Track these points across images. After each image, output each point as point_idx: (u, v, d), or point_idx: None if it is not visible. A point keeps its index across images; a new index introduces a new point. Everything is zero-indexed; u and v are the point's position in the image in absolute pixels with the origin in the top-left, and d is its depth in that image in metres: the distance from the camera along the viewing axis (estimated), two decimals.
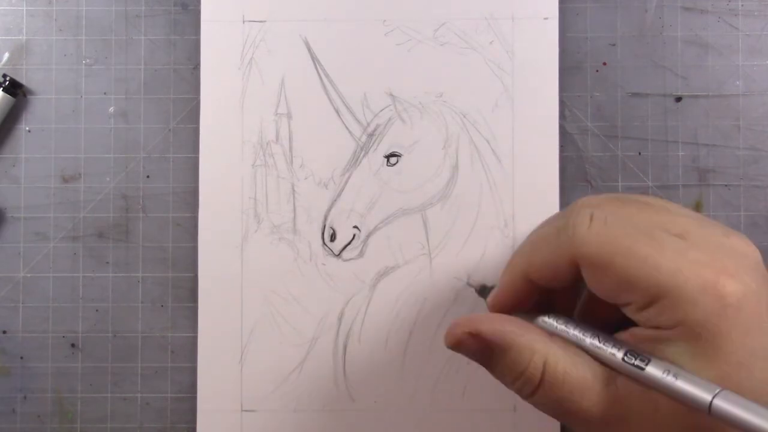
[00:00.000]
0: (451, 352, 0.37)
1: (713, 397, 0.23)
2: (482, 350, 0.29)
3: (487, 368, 0.29)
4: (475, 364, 0.37)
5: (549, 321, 0.29)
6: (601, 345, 0.27)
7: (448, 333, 0.30)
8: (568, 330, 0.28)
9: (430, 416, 0.37)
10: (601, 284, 0.27)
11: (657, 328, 0.25)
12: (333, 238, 0.38)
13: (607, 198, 0.29)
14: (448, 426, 0.37)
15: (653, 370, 0.25)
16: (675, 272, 0.25)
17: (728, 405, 0.22)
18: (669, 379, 0.24)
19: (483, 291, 0.33)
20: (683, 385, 0.24)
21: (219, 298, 0.37)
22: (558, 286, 0.29)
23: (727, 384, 0.24)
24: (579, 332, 0.28)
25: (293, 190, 0.38)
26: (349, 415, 0.37)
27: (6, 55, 0.39)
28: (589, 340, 0.27)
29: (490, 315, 0.30)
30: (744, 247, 0.26)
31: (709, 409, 0.23)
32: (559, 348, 0.28)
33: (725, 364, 0.24)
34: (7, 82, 0.38)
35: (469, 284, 0.36)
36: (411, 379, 0.37)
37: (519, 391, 0.28)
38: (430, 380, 0.37)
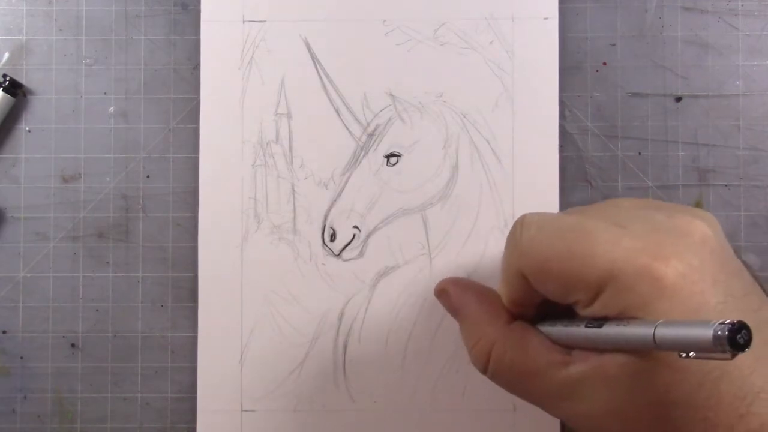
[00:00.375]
0: (451, 352, 0.37)
1: (654, 329, 0.23)
2: (450, 310, 0.33)
3: None
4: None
5: (544, 325, 0.30)
6: (565, 327, 0.28)
7: (438, 284, 0.35)
8: (552, 327, 0.29)
9: (430, 416, 0.37)
10: (546, 289, 0.28)
11: (606, 319, 0.26)
12: (333, 238, 0.38)
13: (548, 213, 0.30)
14: (448, 426, 0.37)
15: (609, 326, 0.25)
16: (610, 263, 0.25)
17: (669, 329, 0.23)
18: (619, 328, 0.25)
19: None
20: (629, 329, 0.24)
21: (219, 298, 0.37)
22: (529, 299, 0.30)
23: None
24: (549, 326, 0.29)
25: (293, 190, 0.38)
26: (349, 415, 0.37)
27: (6, 55, 0.39)
28: (559, 327, 0.28)
29: (469, 282, 0.32)
30: (687, 226, 0.26)
31: (654, 341, 0.23)
32: (511, 338, 0.29)
33: None
34: (7, 82, 0.38)
35: None
36: (411, 379, 0.37)
37: (476, 366, 0.30)
38: (430, 380, 0.37)
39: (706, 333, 0.21)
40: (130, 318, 0.38)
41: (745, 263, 0.27)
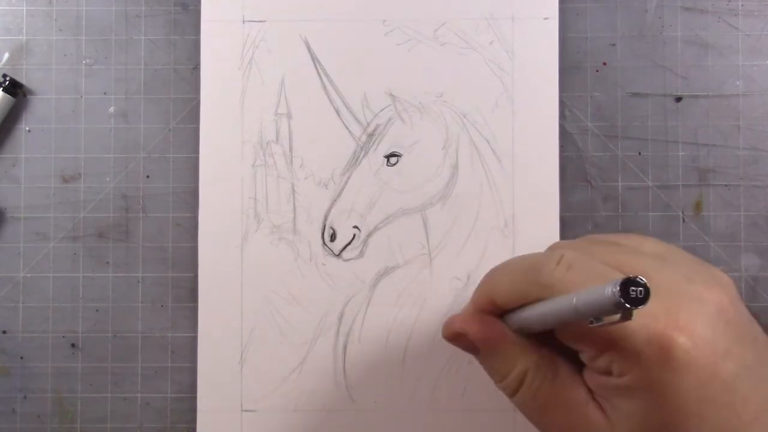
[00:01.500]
0: (451, 352, 0.37)
1: (574, 300, 0.24)
2: (471, 349, 0.31)
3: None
4: (475, 365, 0.37)
5: (510, 315, 0.30)
6: (516, 314, 0.29)
7: (444, 327, 0.32)
8: (525, 313, 0.29)
9: (430, 416, 0.37)
10: (560, 330, 0.28)
11: (610, 374, 0.26)
12: (333, 238, 0.38)
13: (581, 240, 0.29)
14: (448, 426, 0.37)
15: (542, 304, 0.27)
16: (622, 325, 0.25)
17: (581, 298, 0.23)
18: (546, 302, 0.26)
19: None
20: (554, 303, 0.25)
21: (219, 298, 0.37)
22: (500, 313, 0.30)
23: None
24: (529, 309, 0.29)
25: (293, 190, 0.38)
26: (349, 415, 0.37)
27: (6, 55, 0.39)
28: (513, 315, 0.29)
29: (482, 317, 0.31)
30: (706, 294, 0.26)
31: (575, 310, 0.24)
32: (541, 361, 0.29)
33: (676, 414, 0.24)
34: (7, 82, 0.38)
35: None
36: (411, 379, 0.37)
37: (502, 390, 0.30)
38: (430, 380, 0.37)
39: (603, 290, 0.22)
40: (130, 318, 0.38)
41: (756, 317, 0.27)
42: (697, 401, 0.24)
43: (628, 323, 0.24)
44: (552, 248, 0.30)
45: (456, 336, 0.31)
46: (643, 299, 0.21)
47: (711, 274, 0.27)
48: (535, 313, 0.27)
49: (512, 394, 0.30)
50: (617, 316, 0.22)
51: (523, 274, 0.29)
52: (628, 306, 0.21)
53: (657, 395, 0.25)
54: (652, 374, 0.24)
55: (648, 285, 0.21)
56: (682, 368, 0.24)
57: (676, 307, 0.25)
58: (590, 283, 0.26)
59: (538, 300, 0.28)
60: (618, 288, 0.21)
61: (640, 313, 0.24)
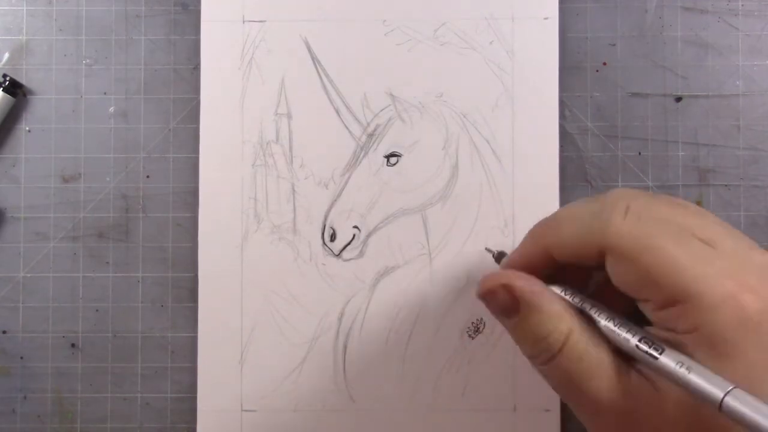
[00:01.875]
0: (451, 352, 0.37)
1: (725, 395, 0.23)
2: (511, 305, 0.29)
3: (508, 326, 0.29)
4: (474, 364, 0.37)
5: (561, 293, 0.29)
6: (615, 328, 0.27)
7: (482, 282, 0.30)
8: (583, 306, 0.28)
9: (430, 416, 0.37)
10: (624, 277, 0.27)
11: (672, 330, 0.25)
12: (333, 238, 0.38)
13: (643, 193, 0.28)
14: (448, 426, 0.37)
15: (666, 361, 0.25)
16: (699, 278, 0.25)
17: (739, 404, 0.22)
18: (682, 371, 0.24)
19: (501, 256, 0.33)
20: (696, 379, 0.24)
21: (219, 298, 0.37)
22: (575, 265, 0.29)
23: None
24: (594, 311, 0.28)
25: (293, 190, 0.38)
26: (349, 415, 0.37)
27: (6, 55, 0.39)
28: (604, 322, 0.27)
29: (523, 274, 0.30)
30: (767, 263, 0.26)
31: (720, 406, 0.23)
32: (582, 324, 0.28)
33: (738, 376, 0.24)
34: (7, 82, 0.38)
35: (487, 250, 0.35)
36: (411, 379, 0.37)
37: (535, 356, 0.28)
38: (430, 380, 0.37)
39: (716, 395, 0.21)
40: (130, 318, 0.38)
41: None
42: (761, 367, 0.24)
43: (704, 276, 0.24)
44: (611, 196, 0.28)
45: (494, 291, 0.29)
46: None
47: (765, 249, 0.27)
48: (654, 366, 0.25)
49: (550, 357, 0.28)
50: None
51: (588, 224, 0.28)
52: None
53: (723, 356, 0.24)
54: (724, 334, 0.24)
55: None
56: (754, 331, 0.24)
57: (746, 271, 0.25)
58: (659, 240, 0.26)
59: (600, 254, 0.27)
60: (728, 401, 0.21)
61: (716, 269, 0.24)
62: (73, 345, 0.38)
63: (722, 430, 0.24)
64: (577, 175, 0.38)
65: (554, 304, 0.28)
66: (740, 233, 0.28)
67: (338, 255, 0.38)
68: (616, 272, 0.27)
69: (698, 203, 0.38)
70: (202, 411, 0.37)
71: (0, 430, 0.38)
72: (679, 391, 0.25)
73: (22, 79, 0.38)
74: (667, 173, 0.38)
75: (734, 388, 0.23)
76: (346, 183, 0.38)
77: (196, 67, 0.38)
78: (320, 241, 0.38)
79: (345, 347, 0.37)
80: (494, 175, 0.37)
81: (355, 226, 0.38)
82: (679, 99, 0.38)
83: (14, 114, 0.38)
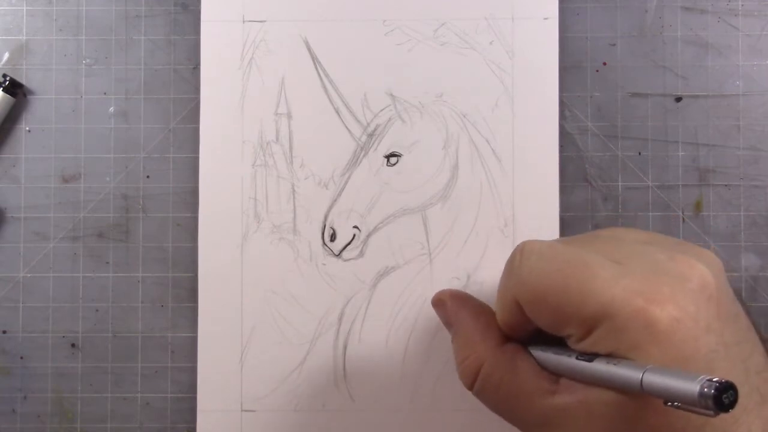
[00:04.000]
0: (451, 352, 0.37)
1: (643, 373, 0.23)
2: (444, 322, 0.33)
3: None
4: None
5: (536, 349, 0.30)
6: (556, 355, 0.28)
7: (435, 294, 0.34)
8: (543, 353, 0.29)
9: (430, 416, 0.37)
10: (540, 320, 0.28)
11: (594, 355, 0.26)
12: (333, 238, 0.38)
13: (550, 241, 0.29)
14: (448, 426, 0.37)
15: (599, 362, 0.26)
16: (606, 302, 0.25)
17: (655, 376, 0.23)
18: (610, 366, 0.25)
19: None
20: (621, 370, 0.24)
21: (219, 298, 0.37)
22: (523, 325, 0.29)
23: None
24: (541, 351, 0.29)
25: (293, 190, 0.38)
26: (349, 415, 0.37)
27: (6, 55, 0.39)
28: (550, 354, 0.28)
29: (466, 297, 0.32)
30: (688, 271, 0.26)
31: (641, 385, 0.23)
32: (501, 359, 0.29)
33: None
34: (7, 82, 0.38)
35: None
36: (411, 379, 0.37)
37: (462, 379, 0.30)
38: (430, 380, 0.37)
39: (692, 388, 0.22)
40: (130, 318, 0.38)
41: (743, 304, 0.27)
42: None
43: (611, 298, 0.25)
44: (517, 251, 0.29)
45: (435, 304, 0.34)
46: (733, 402, 0.21)
47: (695, 252, 0.27)
48: (586, 370, 0.26)
49: (469, 385, 0.30)
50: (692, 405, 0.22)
51: (503, 285, 0.29)
52: (717, 409, 0.21)
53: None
54: (638, 350, 0.24)
55: (738, 389, 0.21)
56: (667, 342, 0.24)
57: (658, 283, 0.25)
58: (560, 275, 0.26)
59: (517, 302, 0.28)
60: (712, 391, 0.21)
61: (622, 288, 0.25)
62: (73, 345, 0.38)
63: (646, 428, 0.25)
64: (577, 175, 0.38)
65: (472, 334, 0.30)
66: (669, 241, 0.28)
67: (338, 255, 0.38)
68: (533, 317, 0.28)
69: (698, 203, 0.38)
70: (202, 411, 0.37)
71: (0, 430, 0.38)
72: (603, 394, 0.25)
73: (22, 79, 0.38)
74: (667, 173, 0.38)
75: (650, 366, 0.23)
76: (346, 183, 0.38)
77: (196, 67, 0.38)
78: (320, 241, 0.38)
79: (345, 347, 0.37)
80: (494, 175, 0.37)
81: (355, 226, 0.38)
82: (679, 99, 0.38)
83: (14, 114, 0.38)
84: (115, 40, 0.39)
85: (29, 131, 0.39)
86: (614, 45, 0.38)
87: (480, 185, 0.37)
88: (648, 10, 0.38)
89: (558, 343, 0.28)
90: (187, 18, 0.39)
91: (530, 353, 0.29)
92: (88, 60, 0.39)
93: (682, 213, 0.38)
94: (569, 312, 0.26)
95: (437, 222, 0.37)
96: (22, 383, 0.38)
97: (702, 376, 0.22)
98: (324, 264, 0.38)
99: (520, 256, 0.28)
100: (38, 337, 0.38)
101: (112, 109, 0.39)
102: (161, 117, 0.39)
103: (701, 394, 0.21)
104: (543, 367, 0.28)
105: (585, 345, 0.26)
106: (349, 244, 0.38)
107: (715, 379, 0.21)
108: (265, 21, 0.38)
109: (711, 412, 0.21)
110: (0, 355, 0.38)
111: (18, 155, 0.39)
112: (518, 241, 0.38)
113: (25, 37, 0.39)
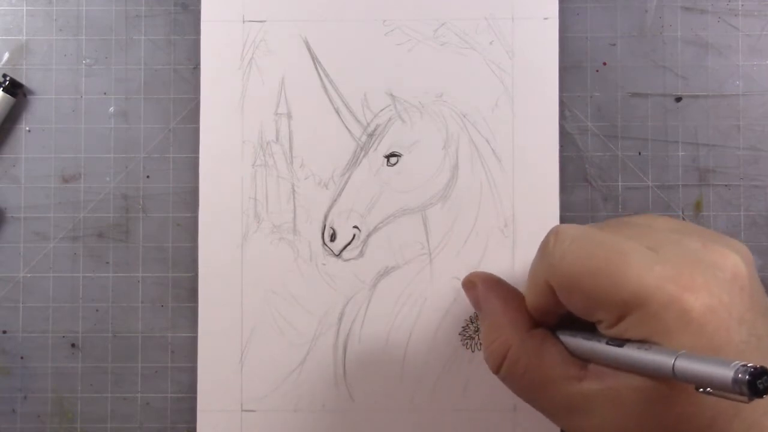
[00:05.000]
0: (451, 352, 0.37)
1: (675, 359, 0.23)
2: (474, 304, 0.33)
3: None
4: (474, 364, 0.37)
5: (565, 334, 0.30)
6: (586, 340, 0.28)
7: (466, 276, 0.34)
8: (572, 338, 0.29)
9: (430, 416, 0.37)
10: (571, 304, 0.28)
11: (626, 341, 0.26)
12: (333, 238, 0.38)
13: (584, 226, 0.29)
14: (448, 426, 0.37)
15: (630, 347, 0.25)
16: (639, 288, 0.25)
17: (687, 362, 0.23)
18: (641, 352, 0.25)
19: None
20: (650, 354, 0.24)
21: (219, 298, 0.37)
22: (553, 309, 0.29)
23: None
24: (570, 336, 0.29)
25: (293, 190, 0.38)
26: (349, 415, 0.37)
27: (6, 55, 0.39)
28: (579, 339, 0.28)
29: (497, 280, 0.32)
30: (721, 260, 0.26)
31: (673, 371, 0.23)
32: (529, 344, 0.29)
33: None
34: (7, 82, 0.38)
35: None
36: (411, 379, 0.37)
37: (487, 362, 0.30)
38: (430, 380, 0.37)
39: (726, 373, 0.21)
40: (130, 318, 0.38)
41: None
42: None
43: (645, 285, 0.24)
44: (551, 234, 0.29)
45: (465, 285, 0.34)
46: (766, 389, 0.21)
47: (727, 242, 0.27)
48: (617, 355, 0.26)
49: (495, 368, 0.30)
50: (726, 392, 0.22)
51: (535, 268, 0.29)
52: (751, 395, 0.21)
53: None
54: (671, 338, 0.24)
55: None
56: (700, 330, 0.24)
57: (692, 272, 0.25)
58: (594, 260, 0.26)
59: (552, 296, 0.28)
60: (746, 377, 0.21)
61: (656, 275, 0.25)
62: (73, 345, 0.38)
63: (676, 415, 0.25)
64: (577, 175, 0.38)
65: (501, 318, 0.30)
66: (700, 230, 0.28)
67: (338, 255, 0.38)
68: (565, 301, 0.28)
69: (698, 203, 0.38)
70: (202, 411, 0.37)
71: (0, 430, 0.38)
72: (632, 380, 0.25)
73: (22, 79, 0.38)
74: (667, 173, 0.38)
75: (682, 352, 0.23)
76: (346, 183, 0.38)
77: (196, 67, 0.38)
78: (320, 241, 0.38)
79: (345, 347, 0.37)
80: (494, 175, 0.37)
81: (355, 226, 0.38)
82: (679, 99, 0.38)
83: (14, 114, 0.38)
84: (115, 40, 0.39)
85: (29, 131, 0.39)
86: (614, 45, 0.38)
87: (480, 185, 0.37)
88: (648, 10, 0.38)
89: (588, 329, 0.28)
90: (187, 18, 0.39)
91: (559, 339, 0.29)
92: (88, 60, 0.39)
93: (682, 213, 0.38)
94: (602, 297, 0.26)
95: (437, 222, 0.37)
96: (22, 383, 0.38)
97: (736, 362, 0.21)
98: (324, 264, 0.38)
99: (554, 239, 0.28)
100: (38, 337, 0.38)
101: (112, 109, 0.39)
102: (161, 117, 0.39)
103: (735, 380, 0.21)
104: (571, 352, 0.28)
105: (616, 331, 0.26)
106: (349, 244, 0.38)
107: (749, 365, 0.21)
108: (265, 21, 0.38)
109: (745, 398, 0.21)
110: (0, 355, 0.38)
111: (18, 155, 0.39)
112: (518, 241, 0.38)
113: (25, 37, 0.39)
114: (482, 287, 0.32)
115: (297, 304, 0.37)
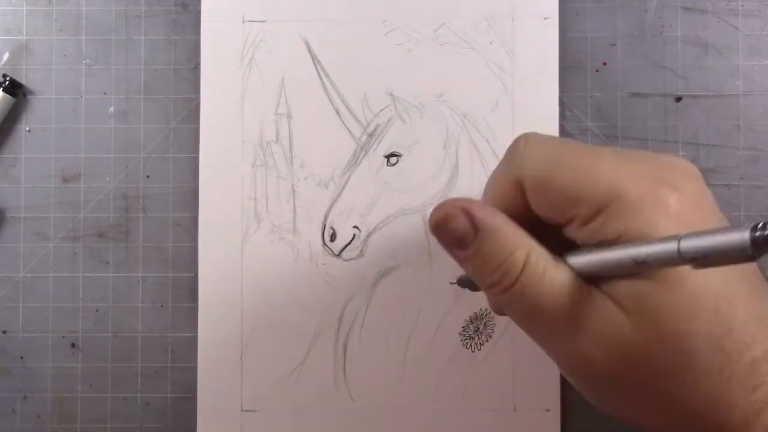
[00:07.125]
0: (451, 352, 0.37)
1: (679, 241, 0.23)
2: (467, 232, 0.27)
3: (462, 257, 0.28)
4: (474, 364, 0.37)
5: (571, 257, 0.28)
6: (583, 252, 0.27)
7: (435, 210, 0.28)
8: (572, 258, 0.27)
9: (430, 416, 0.37)
10: (544, 202, 0.27)
11: (601, 242, 0.26)
12: (333, 238, 0.38)
13: (548, 135, 0.30)
14: (448, 426, 0.37)
15: (628, 244, 0.25)
16: (615, 181, 0.25)
17: (691, 241, 0.22)
18: (642, 244, 0.24)
19: (463, 281, 0.33)
20: (652, 244, 0.24)
21: (219, 298, 0.37)
22: (518, 216, 0.28)
23: None
24: (572, 256, 0.27)
25: (293, 190, 0.38)
26: (349, 415, 0.37)
27: (6, 55, 0.39)
28: (580, 255, 0.27)
29: (480, 202, 0.29)
30: (681, 163, 0.27)
31: (678, 252, 0.23)
32: (541, 246, 0.27)
33: None
34: (7, 82, 0.38)
35: (451, 283, 0.36)
36: (411, 379, 0.37)
37: (496, 283, 0.27)
38: (430, 380, 0.37)
39: (743, 236, 0.20)
40: (130, 318, 0.38)
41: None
42: None
43: (619, 179, 0.25)
44: (517, 139, 0.29)
45: (451, 217, 0.28)
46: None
47: (679, 156, 0.29)
48: (624, 254, 0.25)
49: (513, 280, 0.27)
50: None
51: (503, 167, 0.29)
52: (754, 252, 0.20)
53: None
54: (649, 230, 0.25)
55: None
56: (679, 219, 0.25)
57: (659, 169, 0.26)
58: (568, 154, 0.27)
59: (519, 199, 0.28)
60: (747, 236, 0.20)
61: (629, 171, 0.25)
62: (73, 345, 0.38)
63: (682, 314, 0.24)
64: None
65: (511, 226, 0.28)
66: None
67: (338, 255, 0.38)
68: (535, 202, 0.27)
69: None
70: (202, 411, 0.37)
71: (0, 430, 0.38)
72: (632, 285, 0.25)
73: (22, 79, 0.38)
74: None
75: (684, 234, 0.23)
76: (346, 183, 0.38)
77: (196, 67, 0.38)
78: (320, 241, 0.38)
79: (345, 347, 0.37)
80: None
81: (355, 226, 0.38)
82: (679, 99, 0.38)
83: (14, 114, 0.38)
84: (115, 40, 0.39)
85: (29, 131, 0.39)
86: (614, 45, 0.38)
87: (480, 185, 0.37)
88: (648, 10, 0.38)
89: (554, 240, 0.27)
90: (187, 18, 0.39)
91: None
92: (88, 60, 0.39)
93: None
94: (578, 191, 0.26)
95: None
96: (22, 383, 0.38)
97: (745, 225, 0.21)
98: (324, 264, 0.38)
99: (524, 140, 0.28)
100: (38, 337, 0.38)
101: (112, 109, 0.39)
102: (161, 117, 0.39)
103: (754, 240, 0.20)
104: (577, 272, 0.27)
105: (591, 228, 0.26)
106: (349, 244, 0.38)
107: (758, 224, 0.20)
108: (265, 21, 0.38)
109: (754, 255, 0.20)
110: (0, 355, 0.38)
111: (18, 155, 0.39)
112: None
113: (25, 37, 0.39)
114: (477, 208, 0.28)
115: (297, 304, 0.37)
